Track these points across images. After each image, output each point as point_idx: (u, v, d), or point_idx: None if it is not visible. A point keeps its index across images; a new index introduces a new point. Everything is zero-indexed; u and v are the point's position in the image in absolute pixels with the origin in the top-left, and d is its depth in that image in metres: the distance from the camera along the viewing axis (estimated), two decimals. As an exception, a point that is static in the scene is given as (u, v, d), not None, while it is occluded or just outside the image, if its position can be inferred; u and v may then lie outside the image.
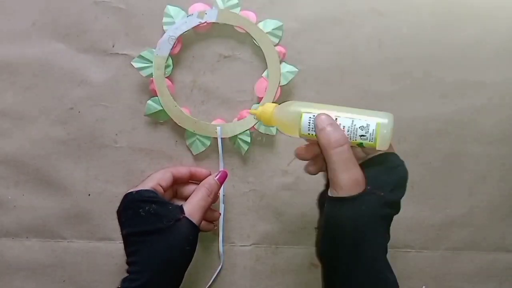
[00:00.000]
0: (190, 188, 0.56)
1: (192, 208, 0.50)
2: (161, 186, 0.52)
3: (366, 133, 0.45)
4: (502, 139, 0.63)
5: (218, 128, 0.59)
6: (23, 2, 0.59)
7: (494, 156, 0.63)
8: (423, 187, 0.63)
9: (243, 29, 0.58)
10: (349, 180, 0.43)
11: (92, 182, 0.60)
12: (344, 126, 0.45)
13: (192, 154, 0.60)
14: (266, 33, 0.58)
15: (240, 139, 0.59)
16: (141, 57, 0.57)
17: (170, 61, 0.58)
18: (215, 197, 0.54)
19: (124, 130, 0.60)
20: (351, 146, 0.45)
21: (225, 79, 0.60)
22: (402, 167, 0.46)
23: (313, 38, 0.61)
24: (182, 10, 0.58)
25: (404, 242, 0.63)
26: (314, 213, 0.62)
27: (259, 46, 0.59)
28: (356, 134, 0.45)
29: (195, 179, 0.57)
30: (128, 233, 0.50)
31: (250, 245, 0.62)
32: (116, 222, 0.51)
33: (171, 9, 0.58)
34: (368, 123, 0.45)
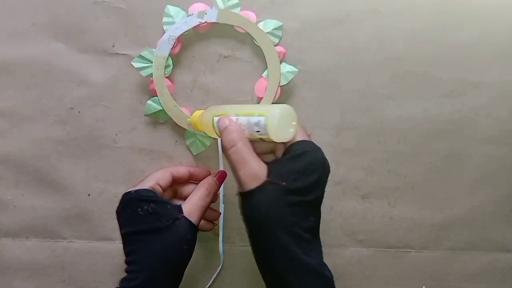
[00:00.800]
0: (189, 188, 0.56)
1: (190, 207, 0.50)
2: (160, 186, 0.52)
3: (259, 128, 0.46)
4: (502, 139, 0.63)
5: (218, 128, 0.59)
6: (23, 2, 0.59)
7: (494, 156, 0.63)
8: (423, 187, 0.63)
9: (243, 29, 0.58)
10: (245, 175, 0.45)
11: (92, 182, 0.60)
12: (243, 125, 0.47)
13: (192, 154, 0.60)
14: (266, 33, 0.58)
15: (240, 139, 0.59)
16: (141, 57, 0.57)
17: (170, 61, 0.58)
18: (215, 197, 0.54)
19: (124, 130, 0.60)
20: (254, 141, 0.47)
21: (225, 79, 0.60)
22: (310, 153, 0.46)
23: (313, 38, 0.61)
24: (182, 10, 0.58)
25: (404, 242, 0.63)
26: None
27: (259, 46, 0.59)
28: (253, 131, 0.47)
29: (194, 179, 0.57)
30: (126, 232, 0.50)
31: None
32: (116, 222, 0.51)
33: (171, 9, 0.58)
34: (259, 119, 0.46)
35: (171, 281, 0.49)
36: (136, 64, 0.57)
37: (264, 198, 0.44)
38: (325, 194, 0.62)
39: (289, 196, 0.44)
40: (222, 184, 0.55)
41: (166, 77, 0.58)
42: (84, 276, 0.61)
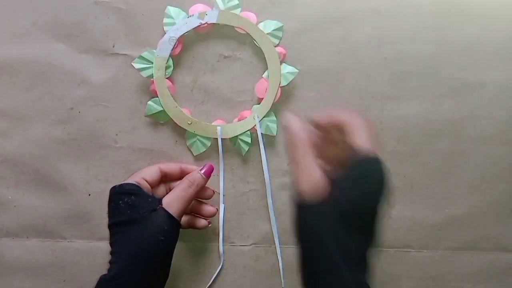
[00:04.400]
0: None
1: (170, 199, 0.51)
2: (146, 181, 0.53)
3: None
4: (502, 139, 0.63)
5: (219, 128, 0.59)
6: (23, 2, 0.59)
7: (494, 156, 0.64)
8: (423, 187, 0.63)
9: (244, 30, 0.58)
10: (307, 183, 0.41)
11: (92, 182, 0.60)
12: None
13: (193, 155, 0.60)
14: (267, 34, 0.58)
15: (240, 139, 0.59)
16: (141, 57, 0.57)
17: (170, 62, 0.58)
18: (199, 189, 0.54)
19: (124, 130, 0.60)
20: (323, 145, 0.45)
21: (226, 79, 0.60)
22: (380, 172, 0.42)
23: (313, 38, 0.61)
24: (183, 11, 0.58)
25: (404, 242, 0.63)
26: (314, 213, 0.62)
27: (260, 47, 0.59)
28: None
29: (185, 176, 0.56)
30: (109, 224, 0.51)
31: (250, 245, 0.62)
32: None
33: (171, 10, 0.57)
34: None
35: (150, 273, 0.49)
36: (137, 65, 0.57)
37: (322, 215, 0.41)
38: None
39: (343, 218, 0.40)
40: (222, 184, 0.55)
41: (166, 78, 0.58)
42: (84, 276, 0.61)
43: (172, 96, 0.58)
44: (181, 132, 0.60)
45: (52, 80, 0.59)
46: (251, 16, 0.59)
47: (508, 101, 0.63)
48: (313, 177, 0.42)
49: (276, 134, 0.60)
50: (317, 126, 0.47)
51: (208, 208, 0.57)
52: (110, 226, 0.50)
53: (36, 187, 0.60)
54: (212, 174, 0.55)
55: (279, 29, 0.59)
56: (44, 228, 0.61)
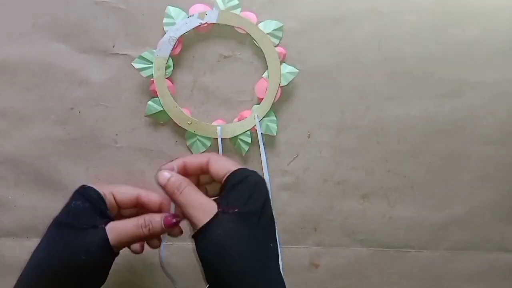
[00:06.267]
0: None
1: (116, 226, 0.47)
2: (115, 198, 0.50)
3: None
4: (502, 139, 0.64)
5: (219, 128, 0.59)
6: (23, 2, 0.59)
7: (494, 156, 0.64)
8: (423, 187, 0.63)
9: (244, 30, 0.58)
10: (197, 212, 0.44)
11: (92, 182, 0.60)
12: None
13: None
14: (267, 34, 0.58)
15: (240, 139, 0.59)
16: (141, 57, 0.57)
17: (170, 62, 0.58)
18: (152, 234, 0.48)
19: (125, 130, 0.60)
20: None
21: (226, 79, 0.60)
22: (250, 177, 0.46)
23: (313, 38, 0.61)
24: (183, 11, 0.58)
25: (404, 242, 0.64)
26: (314, 213, 0.62)
27: (260, 47, 0.59)
28: None
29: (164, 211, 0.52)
30: (54, 217, 0.48)
31: (251, 245, 0.62)
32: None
33: (171, 10, 0.57)
34: None
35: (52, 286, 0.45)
36: (137, 65, 0.57)
37: (220, 229, 0.43)
38: (325, 194, 0.62)
39: (244, 221, 0.43)
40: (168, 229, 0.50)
41: (166, 78, 0.58)
42: (84, 276, 0.61)
43: (172, 96, 0.58)
44: (181, 132, 0.60)
45: (52, 80, 0.59)
46: (251, 16, 0.59)
47: (508, 101, 0.63)
48: (204, 203, 0.45)
49: (276, 134, 0.60)
50: (185, 172, 0.49)
51: (153, 241, 0.51)
52: (54, 219, 0.48)
53: (36, 187, 0.60)
54: (173, 227, 0.49)
55: (279, 29, 0.59)
56: (44, 228, 0.60)
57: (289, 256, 0.62)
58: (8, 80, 0.59)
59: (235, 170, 0.47)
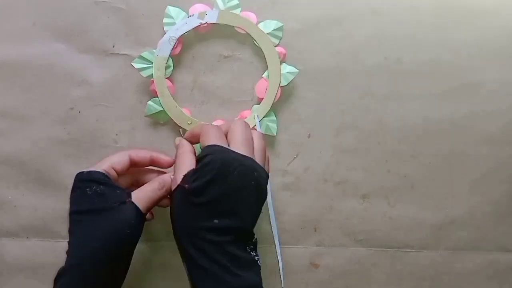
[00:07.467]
0: (150, 176, 0.55)
1: (140, 195, 0.50)
2: (115, 170, 0.52)
3: None
4: (502, 139, 0.63)
5: (219, 128, 0.59)
6: (23, 2, 0.59)
7: (494, 156, 0.64)
8: (423, 187, 0.63)
9: (244, 30, 0.58)
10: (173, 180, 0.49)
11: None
12: None
13: (193, 155, 0.60)
14: (267, 34, 0.58)
15: (240, 139, 0.59)
16: (141, 57, 0.57)
17: (170, 62, 0.58)
18: (168, 194, 0.52)
19: (124, 130, 0.60)
20: None
21: (226, 79, 0.60)
22: (210, 155, 0.47)
23: (313, 38, 0.61)
24: (183, 11, 0.58)
25: (404, 242, 0.63)
26: (314, 213, 0.62)
27: (260, 47, 0.59)
28: None
29: (156, 165, 0.55)
30: (72, 211, 0.49)
31: (250, 245, 0.62)
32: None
33: (171, 10, 0.58)
34: None
35: (110, 264, 0.48)
36: (137, 65, 0.57)
37: (174, 202, 0.47)
38: (325, 194, 0.62)
39: (190, 198, 0.46)
40: None
41: (166, 78, 0.58)
42: (84, 276, 0.61)
43: (172, 96, 0.58)
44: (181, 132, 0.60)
45: (52, 80, 0.59)
46: (251, 16, 0.59)
47: (508, 100, 0.63)
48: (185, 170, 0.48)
49: (276, 134, 0.60)
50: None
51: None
52: (74, 213, 0.49)
53: (36, 187, 0.60)
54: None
55: (279, 29, 0.59)
56: (44, 228, 0.61)
57: (289, 256, 0.62)
58: (8, 80, 0.59)
59: (206, 146, 0.48)
